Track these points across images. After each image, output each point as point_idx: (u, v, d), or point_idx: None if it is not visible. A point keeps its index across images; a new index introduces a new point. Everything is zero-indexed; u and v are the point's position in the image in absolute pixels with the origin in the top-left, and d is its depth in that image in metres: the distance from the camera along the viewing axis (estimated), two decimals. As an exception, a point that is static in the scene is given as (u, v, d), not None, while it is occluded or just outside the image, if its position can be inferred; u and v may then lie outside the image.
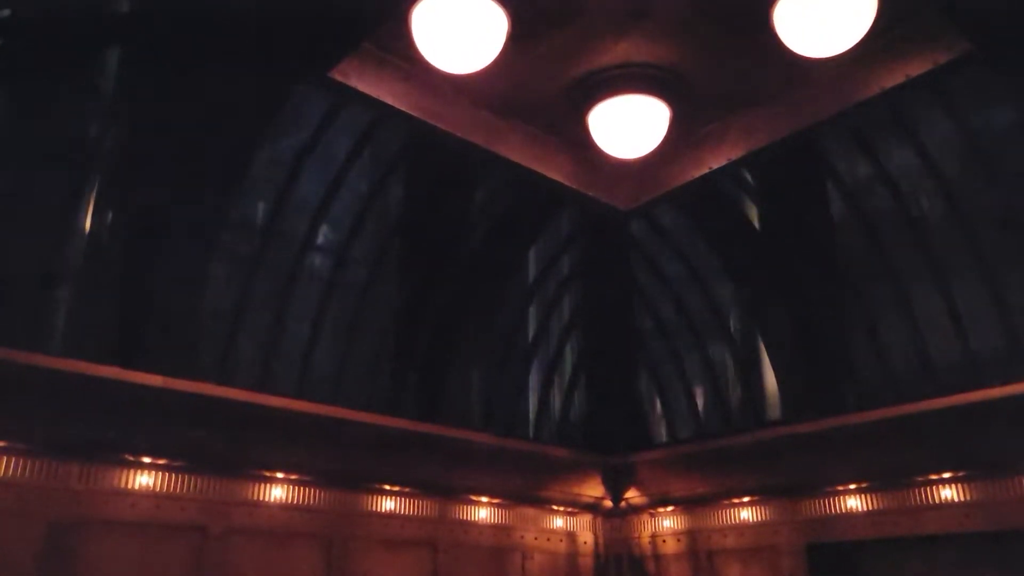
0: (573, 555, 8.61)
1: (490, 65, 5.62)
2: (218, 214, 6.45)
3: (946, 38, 5.66)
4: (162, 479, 6.07)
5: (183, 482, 6.16)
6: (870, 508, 7.10)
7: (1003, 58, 5.54)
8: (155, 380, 5.76)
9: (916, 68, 5.87)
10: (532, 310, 8.72)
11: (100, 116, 5.91)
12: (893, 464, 6.91)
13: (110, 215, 6.25)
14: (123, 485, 5.89)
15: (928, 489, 6.77)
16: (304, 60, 5.65)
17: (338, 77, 5.92)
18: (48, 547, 5.44)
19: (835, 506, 7.33)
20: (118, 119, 6.04)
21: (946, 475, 6.64)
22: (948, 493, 6.67)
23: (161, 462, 6.04)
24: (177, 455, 6.09)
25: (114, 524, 5.78)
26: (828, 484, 7.35)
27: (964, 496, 6.56)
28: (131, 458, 5.92)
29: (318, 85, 6.18)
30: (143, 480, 5.98)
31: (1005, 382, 6.17)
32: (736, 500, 8.02)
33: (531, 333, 8.77)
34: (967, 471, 6.54)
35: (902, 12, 5.59)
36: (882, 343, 7.31)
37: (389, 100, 6.21)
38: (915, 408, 6.61)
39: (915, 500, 6.83)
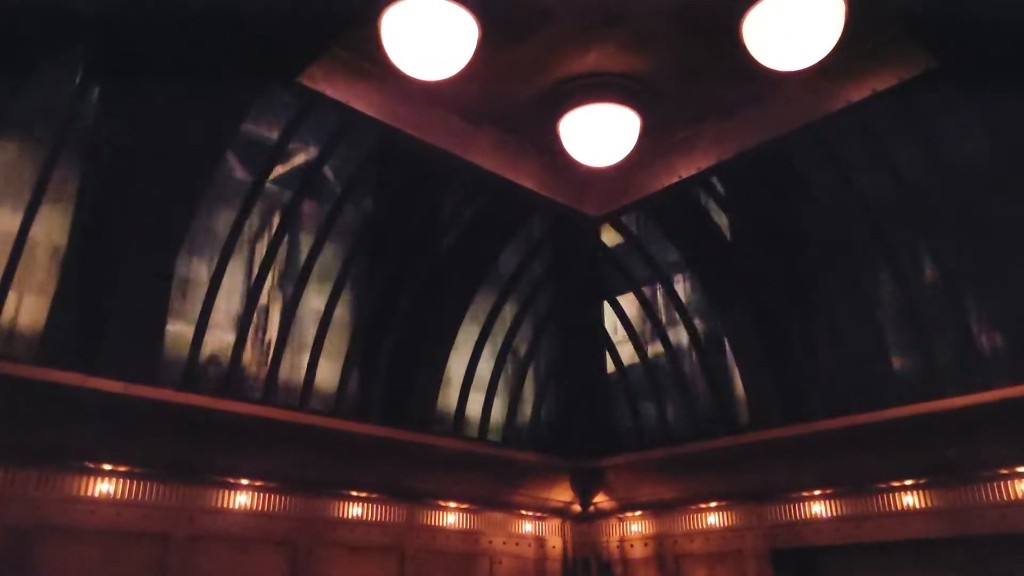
0: (541, 560, 8.62)
1: (461, 71, 5.60)
2: (183, 218, 6.35)
3: (911, 54, 5.74)
4: (123, 486, 6.00)
5: (145, 489, 6.09)
6: (834, 514, 7.20)
7: (966, 73, 5.62)
8: (116, 386, 5.69)
9: (882, 82, 5.95)
10: (501, 316, 8.69)
11: (62, 119, 5.79)
12: (856, 471, 7.02)
13: (71, 218, 6.15)
14: (83, 492, 5.82)
15: (890, 495, 6.88)
16: (272, 64, 5.58)
17: (307, 82, 5.86)
18: (6, 554, 5.35)
19: (800, 512, 7.43)
20: (82, 122, 5.93)
21: (908, 482, 6.76)
22: (909, 499, 6.78)
23: (122, 469, 5.97)
24: (139, 462, 6.02)
25: (73, 531, 5.71)
26: (793, 490, 7.44)
27: (925, 503, 6.69)
28: (91, 465, 5.85)
29: (286, 89, 6.13)
30: (103, 487, 5.91)
31: (965, 392, 6.28)
32: (703, 505, 8.09)
33: (500, 338, 8.74)
34: (928, 478, 6.66)
35: (868, 28, 5.65)
36: (847, 352, 7.40)
37: (359, 105, 6.17)
38: (878, 416, 6.72)
39: (877, 506, 6.94)
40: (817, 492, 7.31)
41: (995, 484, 6.34)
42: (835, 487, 7.19)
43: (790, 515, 7.48)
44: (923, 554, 6.84)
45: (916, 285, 7.17)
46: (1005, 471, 6.26)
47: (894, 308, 7.32)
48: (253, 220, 7.20)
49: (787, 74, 5.75)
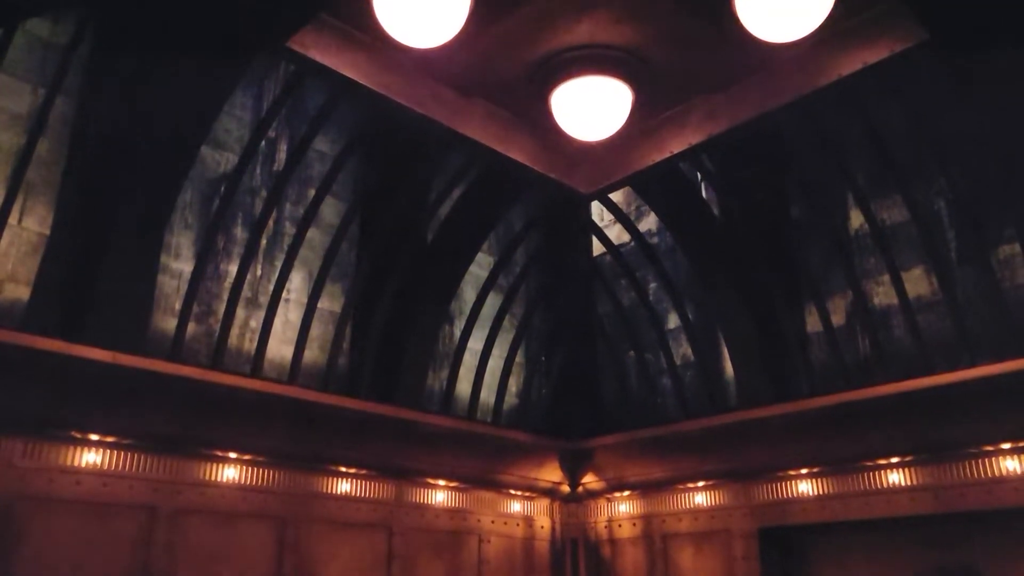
0: (530, 539, 8.63)
1: (452, 41, 5.53)
2: (171, 189, 6.29)
3: (903, 26, 5.73)
4: (110, 457, 5.94)
5: (132, 460, 6.03)
6: (820, 492, 7.22)
7: (958, 47, 5.62)
8: (103, 355, 5.63)
9: (874, 55, 5.93)
10: (492, 292, 8.67)
11: (46, 86, 5.72)
12: (843, 449, 7.03)
13: (59, 186, 6.08)
14: (69, 463, 5.75)
15: (876, 473, 6.91)
16: (260, 29, 5.51)
17: (297, 48, 5.80)
18: (-11, 525, 5.30)
19: (787, 490, 7.44)
20: (66, 88, 5.85)
21: (894, 460, 6.78)
22: (896, 477, 6.81)
23: (109, 440, 5.91)
24: (126, 433, 5.96)
25: (58, 502, 5.64)
26: (780, 469, 7.46)
27: (911, 480, 6.71)
28: (78, 435, 5.78)
29: (276, 55, 6.07)
30: (90, 458, 5.84)
31: (952, 369, 6.32)
32: (691, 485, 8.10)
33: (491, 315, 8.72)
34: (914, 456, 6.68)
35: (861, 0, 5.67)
36: (835, 330, 7.42)
37: (349, 73, 6.08)
38: (864, 394, 6.74)
39: (864, 484, 6.96)
40: (804, 471, 7.33)
41: (980, 461, 6.36)
42: (821, 466, 7.21)
43: (777, 494, 7.50)
44: (909, 531, 6.88)
45: (904, 262, 7.21)
46: (990, 448, 6.29)
47: (882, 285, 7.36)
48: (243, 189, 7.17)
49: (779, 47, 5.73)
